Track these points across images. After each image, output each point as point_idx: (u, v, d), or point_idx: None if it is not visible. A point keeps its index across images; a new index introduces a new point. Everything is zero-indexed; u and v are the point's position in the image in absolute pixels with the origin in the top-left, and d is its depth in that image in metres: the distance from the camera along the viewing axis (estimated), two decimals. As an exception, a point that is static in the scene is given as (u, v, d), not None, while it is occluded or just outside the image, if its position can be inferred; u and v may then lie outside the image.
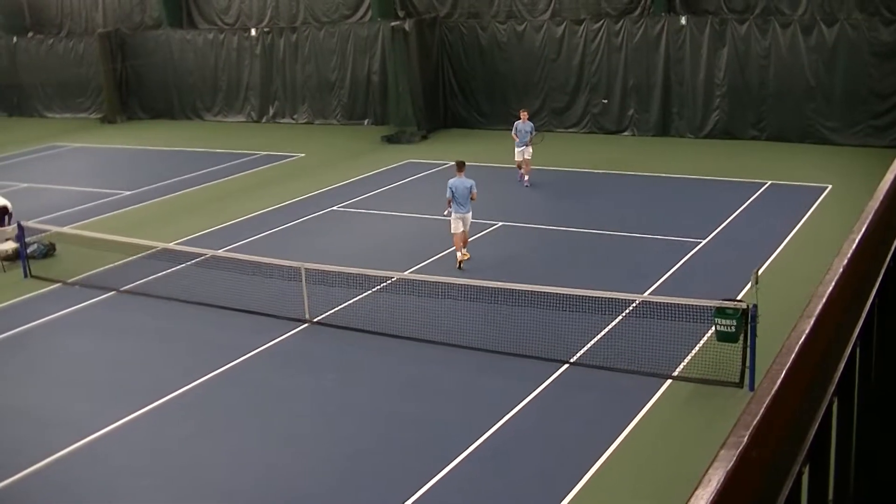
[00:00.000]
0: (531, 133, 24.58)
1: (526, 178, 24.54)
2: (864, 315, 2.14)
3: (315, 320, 16.05)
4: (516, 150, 24.56)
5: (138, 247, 19.47)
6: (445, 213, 18.69)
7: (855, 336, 2.04)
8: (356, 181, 26.52)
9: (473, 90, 33.73)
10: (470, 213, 18.56)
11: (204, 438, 12.60)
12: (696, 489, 1.34)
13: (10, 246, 20.38)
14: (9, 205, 21.88)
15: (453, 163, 19.31)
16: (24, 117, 44.34)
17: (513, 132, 24.86)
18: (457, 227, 18.44)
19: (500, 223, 21.27)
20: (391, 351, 14.80)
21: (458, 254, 18.47)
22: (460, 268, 18.16)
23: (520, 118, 24.94)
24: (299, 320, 16.06)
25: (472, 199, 18.46)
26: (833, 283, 1.93)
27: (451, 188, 18.51)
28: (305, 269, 16.23)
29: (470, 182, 18.48)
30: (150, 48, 40.61)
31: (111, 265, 19.56)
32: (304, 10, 37.28)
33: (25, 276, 19.51)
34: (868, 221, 2.29)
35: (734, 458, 1.38)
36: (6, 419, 13.53)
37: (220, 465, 11.85)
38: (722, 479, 1.34)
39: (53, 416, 13.40)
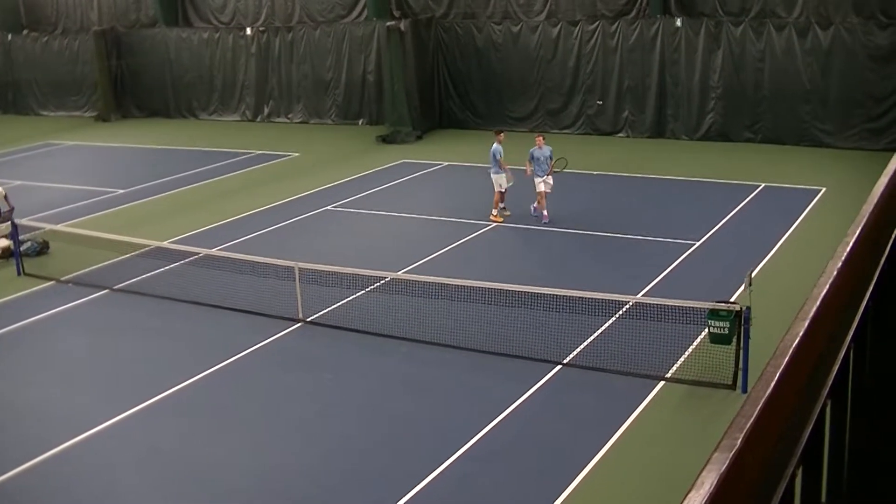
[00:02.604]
0: (550, 159, 21.10)
1: (544, 212, 21.13)
2: (858, 318, 2.14)
3: (308, 320, 16.04)
4: (536, 181, 21.06)
5: (132, 245, 19.44)
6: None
7: (849, 339, 2.04)
8: (351, 181, 26.50)
9: (469, 91, 33.71)
10: (498, 176, 21.38)
11: (197, 437, 12.59)
12: (689, 491, 1.33)
13: (4, 243, 20.34)
14: (4, 191, 21.89)
15: (448, 163, 19.57)
16: (18, 115, 44.24)
17: (528, 161, 21.28)
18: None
19: (494, 224, 21.26)
20: (385, 351, 14.79)
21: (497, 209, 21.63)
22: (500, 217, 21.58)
23: (535, 144, 21.32)
24: (293, 319, 16.04)
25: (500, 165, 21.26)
26: (828, 286, 1.93)
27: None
28: (299, 268, 16.22)
29: (494, 148, 21.39)
30: (146, 46, 40.55)
31: (105, 263, 19.52)
32: (300, 9, 37.25)
33: (19, 273, 19.47)
34: (862, 225, 2.29)
35: (728, 461, 1.38)
36: (0, 416, 13.52)
37: (212, 464, 11.83)
38: (715, 482, 1.34)
39: (47, 414, 13.38)
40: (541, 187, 21.09)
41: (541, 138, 21.66)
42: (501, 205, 21.72)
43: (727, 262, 17.74)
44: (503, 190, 21.52)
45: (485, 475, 11.15)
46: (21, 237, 19.90)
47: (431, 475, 11.08)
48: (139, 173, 29.28)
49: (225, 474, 11.56)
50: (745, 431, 1.45)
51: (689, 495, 1.33)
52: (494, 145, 21.45)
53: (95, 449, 12.33)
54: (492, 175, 21.54)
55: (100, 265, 19.49)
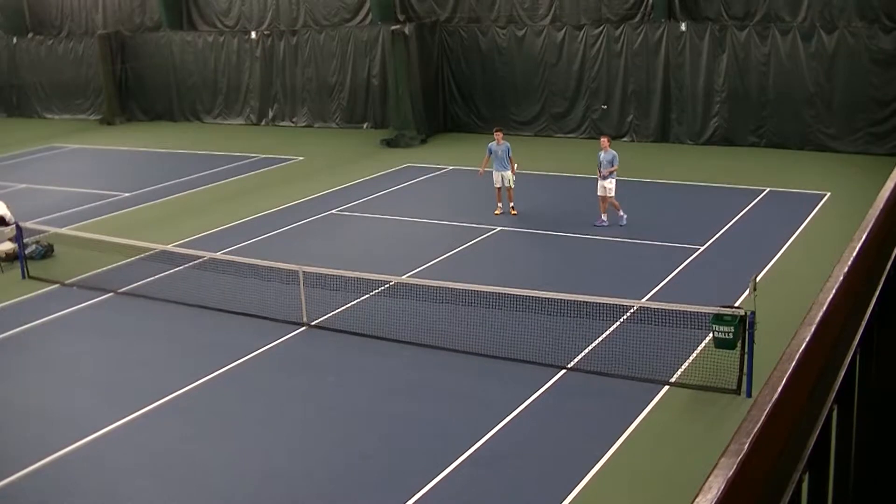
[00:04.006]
0: (611, 164, 20.64)
1: (603, 216, 20.89)
2: (864, 322, 2.14)
3: (313, 324, 16.04)
4: (599, 184, 20.83)
5: (136, 248, 19.47)
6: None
7: (855, 344, 2.04)
8: (355, 185, 26.52)
9: (473, 94, 33.74)
10: (508, 172, 22.20)
11: (201, 441, 12.59)
12: (696, 496, 1.33)
13: (9, 246, 20.37)
14: (6, 214, 21.25)
15: (452, 167, 19.60)
16: (23, 118, 44.35)
17: (598, 166, 20.88)
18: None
19: (499, 228, 21.28)
20: (389, 355, 14.80)
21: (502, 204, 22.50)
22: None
23: (601, 146, 21.02)
24: (297, 323, 16.05)
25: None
26: (834, 291, 1.93)
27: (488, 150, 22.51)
28: (303, 272, 16.23)
29: (506, 145, 22.40)
30: (150, 50, 40.63)
31: (109, 267, 19.55)
32: (305, 12, 37.30)
33: (23, 276, 19.50)
34: (868, 229, 2.29)
35: (735, 466, 1.38)
36: (4, 419, 13.52)
37: (217, 468, 11.84)
38: (722, 487, 1.34)
39: (51, 417, 13.39)
40: (599, 191, 20.91)
41: (606, 140, 21.25)
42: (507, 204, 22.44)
43: (731, 267, 17.73)
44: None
45: (488, 479, 11.14)
46: (25, 240, 19.92)
47: (435, 479, 11.07)
48: (143, 177, 29.32)
49: (228, 478, 11.57)
50: (751, 436, 1.45)
51: (697, 500, 1.33)
52: (506, 143, 22.28)
53: (98, 452, 12.33)
54: (504, 173, 22.07)
55: (104, 268, 19.52)
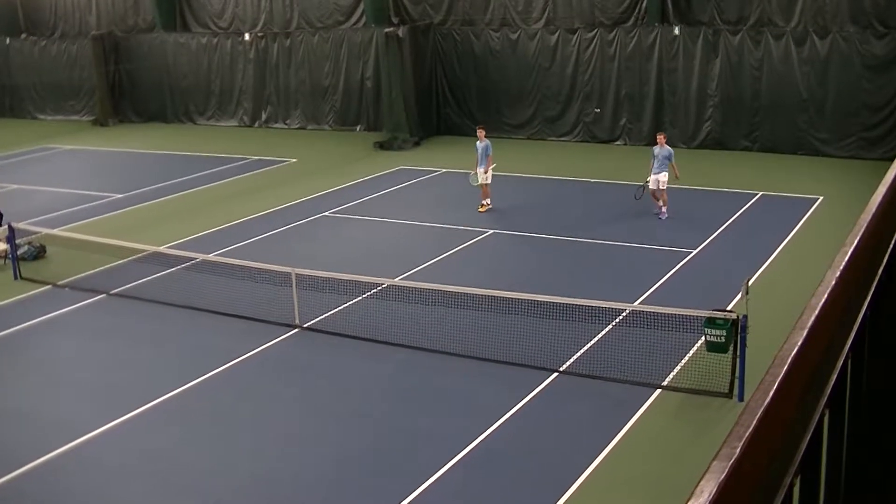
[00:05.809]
0: (668, 160, 21.38)
1: (663, 209, 21.60)
2: (855, 327, 2.14)
3: (305, 326, 16.03)
4: (651, 177, 21.58)
5: (129, 250, 19.44)
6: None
7: (847, 348, 2.05)
8: (348, 187, 26.51)
9: (466, 97, 33.75)
10: (480, 170, 22.80)
11: (193, 443, 12.57)
12: (688, 500, 1.34)
13: (0, 247, 20.32)
14: None
15: (445, 170, 19.61)
16: (16, 119, 44.22)
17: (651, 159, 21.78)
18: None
19: (491, 231, 21.29)
20: (381, 357, 14.79)
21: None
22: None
23: (658, 142, 21.87)
24: (289, 325, 16.04)
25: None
26: (826, 296, 1.93)
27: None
28: (296, 274, 16.22)
29: (485, 143, 23.02)
30: (144, 51, 40.57)
31: (102, 268, 19.51)
32: (298, 15, 37.29)
33: (15, 277, 19.45)
34: (860, 234, 2.29)
35: (726, 470, 1.38)
36: (-6, 421, 13.49)
37: (209, 470, 11.81)
38: (714, 491, 1.34)
39: (43, 418, 13.35)
40: (652, 185, 21.60)
41: (662, 137, 22.16)
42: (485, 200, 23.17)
43: (724, 271, 17.75)
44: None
45: (481, 482, 11.14)
46: (18, 241, 19.88)
47: (427, 482, 11.07)
48: (136, 178, 29.27)
49: (218, 481, 11.54)
50: (743, 440, 1.45)
51: (688, 504, 1.33)
52: (487, 142, 22.98)
53: (89, 455, 12.30)
54: (478, 170, 22.84)
55: (96, 270, 19.48)
